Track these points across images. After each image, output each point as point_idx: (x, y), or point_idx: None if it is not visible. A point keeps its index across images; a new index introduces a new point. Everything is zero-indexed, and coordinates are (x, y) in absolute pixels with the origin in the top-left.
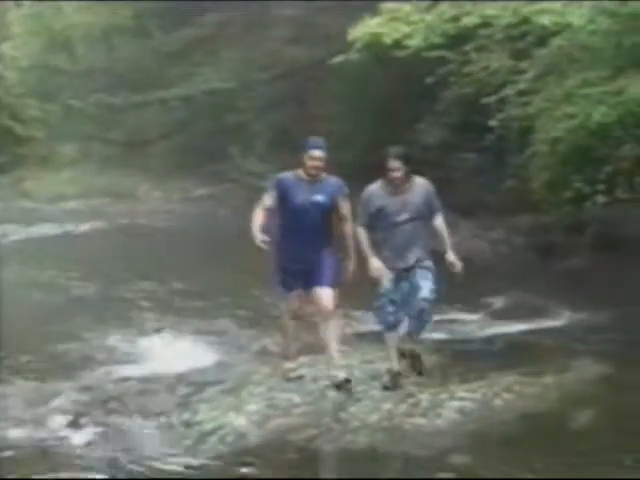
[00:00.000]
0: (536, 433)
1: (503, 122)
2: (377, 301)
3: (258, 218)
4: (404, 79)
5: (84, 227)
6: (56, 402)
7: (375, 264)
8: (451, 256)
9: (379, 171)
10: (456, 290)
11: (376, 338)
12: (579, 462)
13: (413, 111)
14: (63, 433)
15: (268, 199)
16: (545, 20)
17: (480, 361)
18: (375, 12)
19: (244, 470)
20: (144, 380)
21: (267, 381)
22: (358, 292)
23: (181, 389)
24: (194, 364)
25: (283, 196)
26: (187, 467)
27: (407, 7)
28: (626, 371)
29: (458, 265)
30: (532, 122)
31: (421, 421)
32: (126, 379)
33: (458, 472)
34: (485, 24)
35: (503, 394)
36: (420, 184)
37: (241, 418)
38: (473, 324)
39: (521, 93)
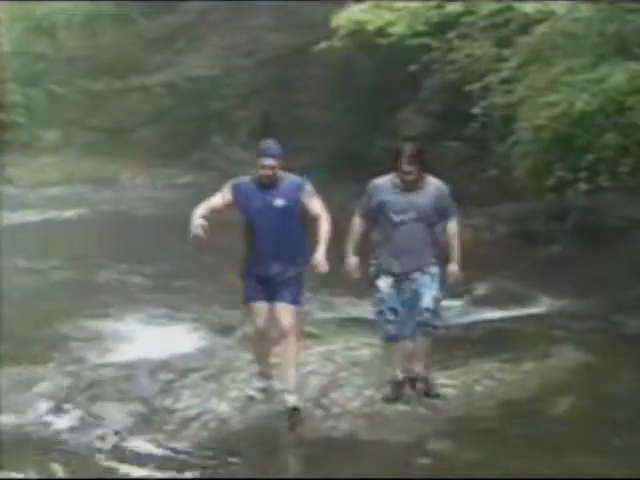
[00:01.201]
0: (516, 420)
1: (486, 110)
2: (376, 307)
3: (201, 208)
4: (387, 66)
5: (67, 214)
6: (39, 388)
7: (349, 263)
8: (454, 268)
9: (362, 160)
10: None
11: (358, 325)
12: (559, 449)
13: (396, 99)
14: (47, 419)
15: (217, 197)
16: (528, 8)
17: (461, 348)
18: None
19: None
20: (127, 366)
21: (249, 367)
22: (341, 280)
23: (163, 375)
24: (176, 350)
25: (240, 202)
26: (170, 453)
27: None
28: (606, 359)
29: (457, 278)
30: (515, 110)
31: (402, 407)
32: (108, 364)
33: (438, 458)
34: (468, 12)
35: (483, 381)
36: (433, 185)
37: (223, 404)
38: (454, 310)
39: (504, 81)
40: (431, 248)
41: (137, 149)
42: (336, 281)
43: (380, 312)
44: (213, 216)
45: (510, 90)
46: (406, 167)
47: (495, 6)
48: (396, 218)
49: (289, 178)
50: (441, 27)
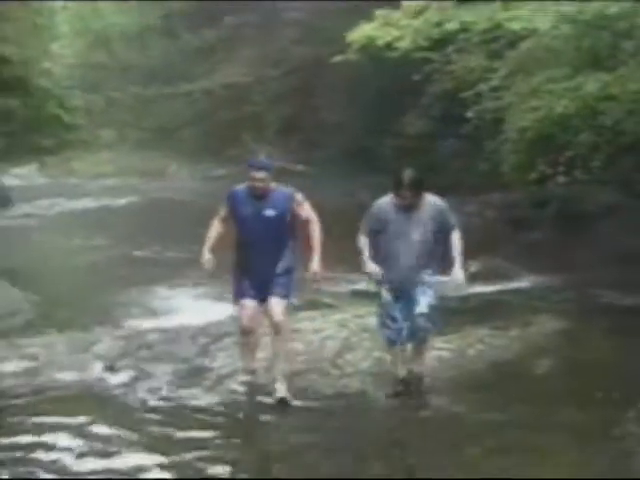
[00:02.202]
0: (504, 378)
1: (478, 113)
2: (377, 315)
3: (213, 230)
4: (394, 76)
5: (120, 201)
6: (95, 350)
7: (370, 268)
8: (458, 272)
9: (372, 156)
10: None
11: (367, 297)
12: (540, 403)
13: (401, 103)
14: (102, 376)
15: (222, 210)
16: (515, 26)
17: (456, 316)
18: (370, 17)
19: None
20: (170, 331)
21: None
22: (354, 258)
23: (201, 339)
24: (212, 318)
25: (234, 209)
26: (207, 404)
27: (397, 14)
28: (580, 326)
29: (461, 280)
30: (503, 114)
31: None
32: (154, 330)
33: (436, 411)
34: (464, 29)
35: (475, 345)
36: (430, 203)
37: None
38: (452, 284)
39: (494, 89)
40: (429, 261)
41: (180, 146)
42: (349, 259)
43: (381, 319)
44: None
45: (499, 97)
46: (403, 193)
47: (487, 24)
48: (396, 236)
49: (280, 189)
50: (441, 42)
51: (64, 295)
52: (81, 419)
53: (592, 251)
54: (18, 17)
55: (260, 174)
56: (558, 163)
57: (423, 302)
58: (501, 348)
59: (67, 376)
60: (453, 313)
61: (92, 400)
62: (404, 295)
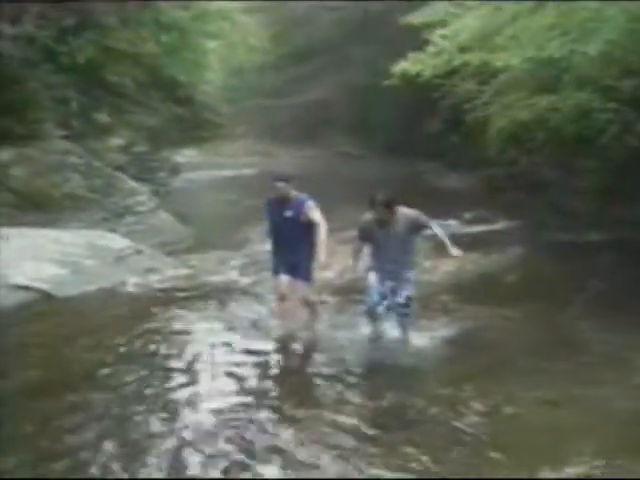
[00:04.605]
0: (487, 285)
1: (473, 119)
2: (365, 293)
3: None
4: (421, 95)
5: (246, 171)
6: (231, 263)
7: (356, 268)
8: (453, 251)
9: (406, 145)
10: (445, 209)
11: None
12: (509, 300)
13: (425, 112)
14: (235, 279)
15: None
16: (498, 63)
17: (458, 246)
18: (406, 57)
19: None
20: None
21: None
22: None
23: None
24: None
25: (268, 213)
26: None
27: (423, 55)
28: (536, 252)
29: (459, 254)
30: (489, 119)
31: (422, 277)
32: (265, 252)
33: (444, 305)
34: (465, 65)
35: (469, 264)
36: (403, 215)
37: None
38: (455, 226)
39: (483, 103)
40: (408, 258)
41: (282, 138)
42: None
43: (366, 297)
44: None
45: (486, 108)
46: (377, 212)
47: (479, 62)
48: (380, 245)
49: (298, 197)
50: (450, 73)
51: (212, 229)
52: (222, 304)
53: (543, 206)
54: (187, 58)
55: (280, 184)
56: (523, 151)
57: (402, 294)
58: (485, 266)
59: (214, 278)
60: (456, 243)
61: (229, 291)
62: (389, 284)
